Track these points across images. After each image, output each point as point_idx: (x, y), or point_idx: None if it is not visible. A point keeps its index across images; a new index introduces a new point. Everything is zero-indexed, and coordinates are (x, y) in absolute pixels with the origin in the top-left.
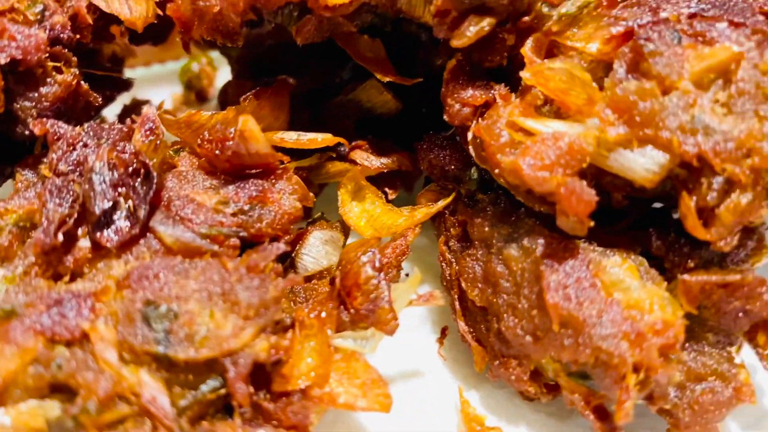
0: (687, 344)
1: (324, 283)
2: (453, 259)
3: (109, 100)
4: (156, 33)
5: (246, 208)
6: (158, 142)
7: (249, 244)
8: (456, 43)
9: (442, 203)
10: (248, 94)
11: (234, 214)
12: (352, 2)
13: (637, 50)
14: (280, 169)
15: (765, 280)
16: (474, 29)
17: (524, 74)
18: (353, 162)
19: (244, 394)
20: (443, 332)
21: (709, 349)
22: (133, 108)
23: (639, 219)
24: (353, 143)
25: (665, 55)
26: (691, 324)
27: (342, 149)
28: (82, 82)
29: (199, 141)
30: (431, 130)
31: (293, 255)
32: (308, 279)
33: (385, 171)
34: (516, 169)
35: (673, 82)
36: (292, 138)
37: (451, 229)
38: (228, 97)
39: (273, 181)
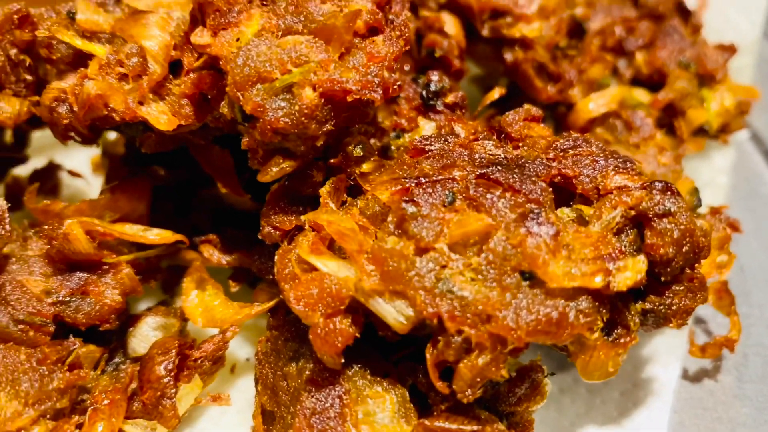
0: None
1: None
2: (260, 361)
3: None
4: None
5: (66, 299)
6: (2, 233)
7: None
8: (260, 178)
9: (262, 307)
10: (106, 187)
11: (53, 304)
12: (180, 126)
13: (402, 209)
14: (107, 264)
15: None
16: (276, 169)
17: (305, 218)
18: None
19: None
20: None
21: None
22: (44, 171)
23: (416, 352)
24: (204, 237)
25: (428, 217)
26: None
27: (196, 239)
28: None
29: (40, 232)
30: None
31: (126, 337)
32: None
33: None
34: (287, 299)
35: (429, 243)
36: (132, 231)
37: (267, 333)
38: (108, 181)
39: (100, 273)
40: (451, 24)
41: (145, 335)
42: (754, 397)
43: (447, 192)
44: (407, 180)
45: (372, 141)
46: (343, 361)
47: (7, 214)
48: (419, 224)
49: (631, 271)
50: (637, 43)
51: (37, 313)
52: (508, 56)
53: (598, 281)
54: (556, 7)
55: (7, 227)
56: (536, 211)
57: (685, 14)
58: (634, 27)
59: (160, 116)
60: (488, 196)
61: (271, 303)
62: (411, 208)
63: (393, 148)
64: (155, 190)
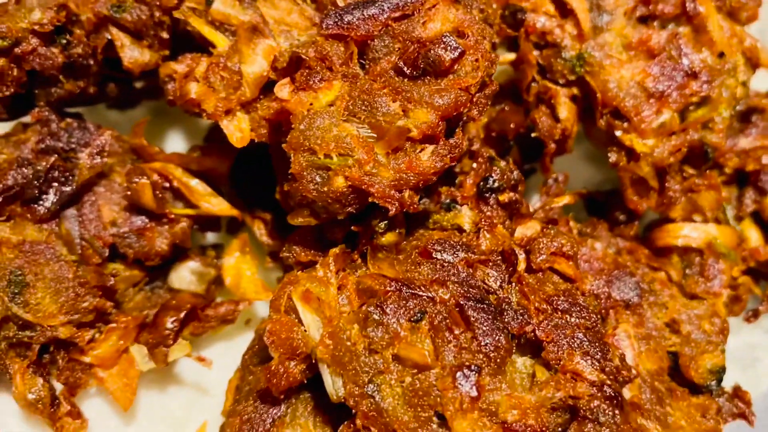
0: None
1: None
2: (252, 341)
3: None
4: None
5: (125, 234)
6: (97, 162)
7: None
8: (289, 219)
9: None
10: (197, 145)
11: (113, 235)
12: (252, 141)
13: (369, 312)
14: (168, 219)
15: None
16: (301, 219)
17: (300, 276)
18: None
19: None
20: None
21: None
22: None
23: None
24: (261, 213)
25: (387, 327)
26: None
27: (257, 210)
28: (91, 88)
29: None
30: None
31: (171, 266)
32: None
33: None
34: (266, 326)
35: (379, 348)
36: (200, 192)
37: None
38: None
39: (160, 222)
40: (564, 108)
41: (183, 275)
42: None
43: (418, 310)
44: (392, 283)
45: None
46: (283, 396)
47: (107, 149)
48: (376, 330)
49: None
50: None
51: (99, 237)
52: (612, 156)
53: None
54: (687, 126)
55: (105, 159)
56: (473, 368)
57: None
58: None
59: (235, 133)
60: (447, 333)
61: None
62: (376, 315)
63: (431, 220)
64: (242, 151)
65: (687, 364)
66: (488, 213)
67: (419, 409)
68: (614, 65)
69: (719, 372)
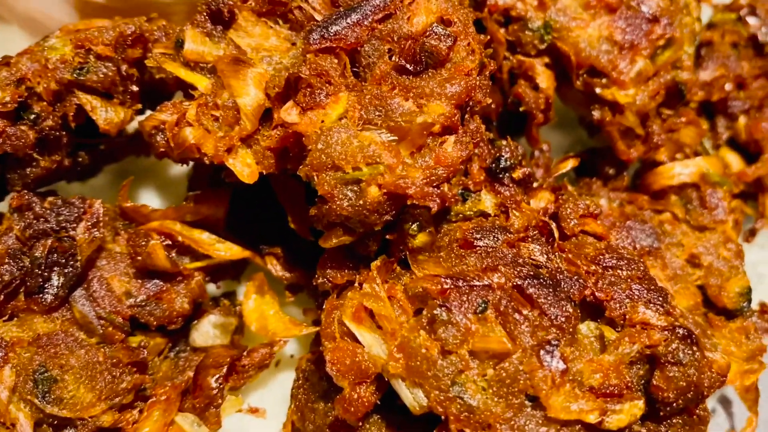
0: None
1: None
2: (298, 378)
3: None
4: None
5: (143, 303)
6: (96, 235)
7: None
8: (322, 243)
9: (309, 330)
10: (190, 195)
11: (131, 306)
12: (260, 174)
13: (435, 313)
14: (181, 276)
15: None
16: (335, 240)
17: (351, 296)
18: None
19: None
20: None
21: None
22: None
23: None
24: (270, 249)
25: (456, 325)
26: None
27: (263, 248)
28: (66, 160)
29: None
30: None
31: (189, 328)
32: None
33: None
34: (326, 358)
35: (453, 347)
36: (207, 242)
37: (309, 354)
38: (192, 183)
39: (174, 282)
40: (543, 77)
41: (205, 331)
42: None
43: (481, 301)
44: (447, 280)
45: None
46: (360, 424)
47: (101, 219)
48: (447, 330)
49: (625, 415)
50: (743, 107)
51: (117, 313)
52: (596, 113)
53: (592, 418)
54: (659, 69)
55: (101, 231)
56: (553, 343)
57: None
58: (746, 84)
59: (244, 169)
60: (516, 315)
61: (317, 329)
62: (443, 315)
63: (452, 213)
64: (235, 193)
65: (716, 293)
66: (506, 193)
67: (510, 397)
68: (580, 26)
69: (747, 293)
